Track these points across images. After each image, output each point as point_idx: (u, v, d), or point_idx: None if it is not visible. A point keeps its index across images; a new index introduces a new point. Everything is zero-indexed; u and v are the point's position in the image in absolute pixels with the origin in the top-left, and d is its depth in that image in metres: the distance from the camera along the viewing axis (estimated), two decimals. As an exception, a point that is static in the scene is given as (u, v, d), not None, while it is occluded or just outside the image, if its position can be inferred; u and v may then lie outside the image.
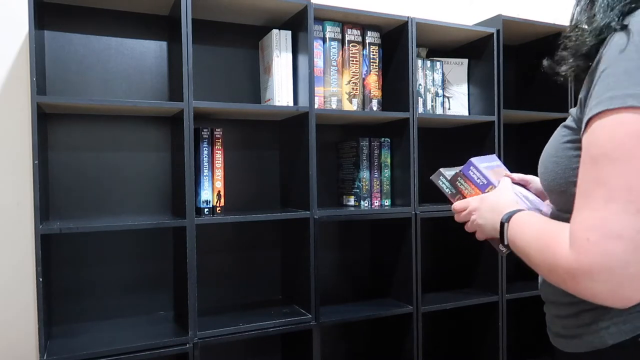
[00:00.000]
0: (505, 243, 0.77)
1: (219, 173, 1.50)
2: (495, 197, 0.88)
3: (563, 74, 0.69)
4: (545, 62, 0.73)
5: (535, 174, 0.84)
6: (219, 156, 1.50)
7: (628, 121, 0.55)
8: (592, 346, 0.65)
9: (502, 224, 0.78)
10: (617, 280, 0.53)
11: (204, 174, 1.47)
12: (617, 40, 0.59)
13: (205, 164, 1.47)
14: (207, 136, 1.48)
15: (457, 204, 1.03)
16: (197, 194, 1.46)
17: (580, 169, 0.60)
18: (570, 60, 0.68)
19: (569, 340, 0.69)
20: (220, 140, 1.50)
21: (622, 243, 0.52)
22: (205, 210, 1.46)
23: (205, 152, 1.47)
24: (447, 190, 1.11)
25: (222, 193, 1.49)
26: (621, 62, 0.57)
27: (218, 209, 1.49)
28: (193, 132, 1.41)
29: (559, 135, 0.70)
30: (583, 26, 0.66)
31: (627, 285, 0.53)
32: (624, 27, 0.59)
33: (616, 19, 0.60)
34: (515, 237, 0.73)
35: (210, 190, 1.48)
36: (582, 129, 0.61)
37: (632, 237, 0.52)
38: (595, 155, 0.57)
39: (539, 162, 0.74)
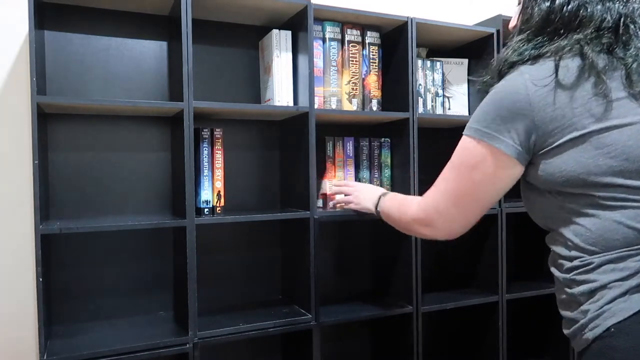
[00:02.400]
0: (378, 210, 1.35)
1: (219, 173, 1.50)
2: (369, 185, 1.52)
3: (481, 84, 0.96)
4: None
5: None
6: (219, 156, 1.50)
7: (466, 146, 0.88)
8: (583, 343, 0.76)
9: (379, 197, 1.36)
10: (433, 229, 0.99)
11: (204, 174, 1.47)
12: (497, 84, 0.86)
13: (205, 164, 1.47)
14: (207, 136, 1.48)
15: (347, 182, 1.61)
16: (197, 194, 1.46)
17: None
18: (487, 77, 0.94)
19: (573, 340, 0.79)
20: (220, 140, 1.50)
21: (440, 216, 0.96)
22: (205, 210, 1.46)
23: (205, 152, 1.47)
24: None
25: (222, 193, 1.49)
26: (483, 104, 0.86)
27: (218, 209, 1.49)
28: (193, 132, 1.41)
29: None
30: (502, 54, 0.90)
31: (439, 232, 0.99)
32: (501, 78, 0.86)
33: (497, 73, 0.89)
34: (385, 205, 1.29)
35: (210, 190, 1.48)
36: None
37: (445, 215, 0.95)
38: (453, 162, 0.93)
39: None
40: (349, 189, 1.54)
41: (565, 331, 0.82)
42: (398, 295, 1.77)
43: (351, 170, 1.74)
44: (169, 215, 1.59)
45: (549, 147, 0.78)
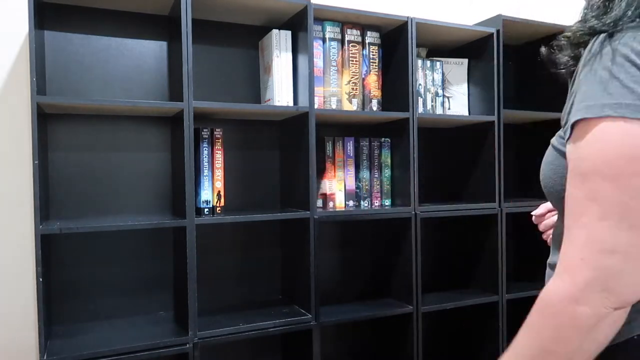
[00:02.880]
0: None
1: (219, 173, 1.50)
2: None
3: (561, 63, 0.68)
4: (543, 50, 0.72)
5: (535, 174, 0.85)
6: (219, 156, 1.50)
7: (612, 134, 0.55)
8: (623, 335, 0.61)
9: None
10: (615, 290, 0.55)
11: (204, 174, 1.47)
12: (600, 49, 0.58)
13: (205, 164, 1.47)
14: (207, 136, 1.48)
15: None
16: (197, 194, 1.46)
17: (568, 184, 0.59)
18: (568, 51, 0.66)
19: None
20: (220, 141, 1.50)
21: (616, 257, 0.54)
22: (205, 210, 1.46)
23: (205, 152, 1.47)
24: None
25: (222, 193, 1.49)
26: (598, 71, 0.58)
27: (218, 209, 1.49)
28: (193, 132, 1.41)
29: (556, 141, 0.69)
30: (588, 20, 0.64)
31: (626, 293, 0.55)
32: (611, 36, 0.58)
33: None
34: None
35: (210, 190, 1.48)
36: (567, 135, 0.61)
37: (625, 251, 0.54)
38: (583, 173, 0.57)
39: (541, 166, 0.73)
40: None
41: None
42: (398, 295, 1.77)
43: (351, 170, 1.74)
44: (169, 215, 1.59)
45: None
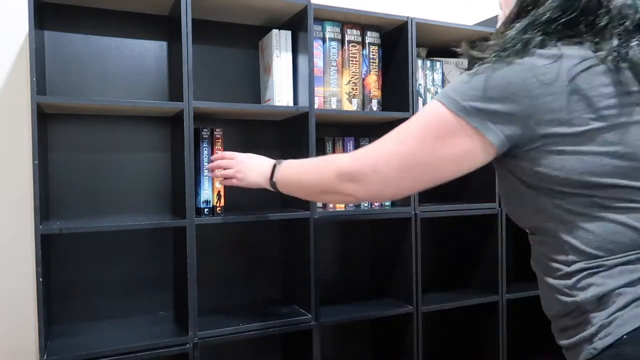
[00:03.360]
0: (274, 180, 1.14)
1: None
2: (255, 156, 1.27)
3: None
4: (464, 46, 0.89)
5: None
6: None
7: (441, 113, 0.76)
8: (588, 354, 0.70)
9: (274, 166, 1.16)
10: (360, 189, 0.86)
11: (204, 174, 1.47)
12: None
13: (205, 163, 1.47)
14: (207, 136, 1.48)
15: (226, 153, 1.34)
16: (197, 194, 1.46)
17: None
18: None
19: (574, 349, 0.74)
20: (220, 140, 1.50)
21: (376, 175, 0.83)
22: (205, 210, 1.46)
23: (205, 152, 1.47)
24: None
25: (222, 193, 1.49)
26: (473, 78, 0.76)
27: (218, 209, 1.49)
28: (193, 132, 1.41)
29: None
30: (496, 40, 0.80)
31: (363, 193, 0.87)
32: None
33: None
34: (288, 172, 1.10)
35: (210, 190, 1.48)
36: None
37: (384, 177, 0.83)
38: (411, 123, 0.82)
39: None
40: (228, 161, 1.31)
41: (564, 342, 0.75)
42: (398, 295, 1.77)
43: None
44: (169, 215, 1.59)
45: (543, 142, 0.71)
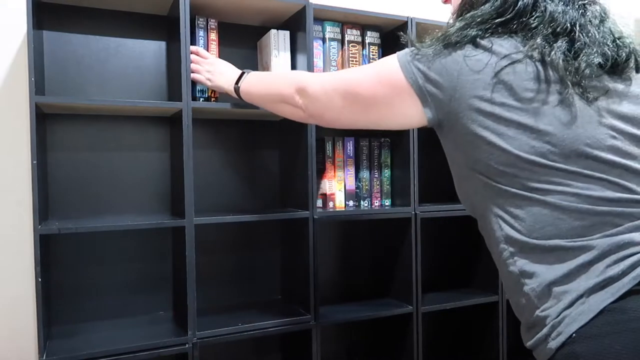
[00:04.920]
0: (238, 86, 1.25)
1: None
2: (228, 64, 1.38)
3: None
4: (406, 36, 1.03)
5: None
6: (213, 46, 1.51)
7: (391, 64, 0.88)
8: (545, 354, 0.72)
9: (242, 73, 1.26)
10: (308, 103, 1.00)
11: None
12: None
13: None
14: (202, 25, 1.50)
15: (202, 51, 1.43)
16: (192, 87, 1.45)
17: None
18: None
19: (536, 352, 0.75)
20: (215, 31, 1.52)
21: (322, 92, 0.96)
22: (201, 99, 1.47)
23: (201, 42, 1.49)
24: None
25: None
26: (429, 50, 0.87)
27: (213, 99, 1.50)
28: (192, 131, 1.41)
29: None
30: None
31: (311, 110, 1.00)
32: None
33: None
34: (251, 82, 1.21)
35: None
36: None
37: (327, 93, 0.95)
38: (368, 65, 0.94)
39: None
40: (201, 60, 1.40)
41: (528, 342, 0.76)
42: (398, 295, 1.77)
43: (351, 170, 1.74)
44: (169, 215, 1.59)
45: (468, 114, 0.77)
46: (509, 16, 0.79)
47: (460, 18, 0.85)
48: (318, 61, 1.63)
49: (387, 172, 1.79)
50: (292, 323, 1.52)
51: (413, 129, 1.69)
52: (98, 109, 1.45)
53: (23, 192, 1.48)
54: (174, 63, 1.51)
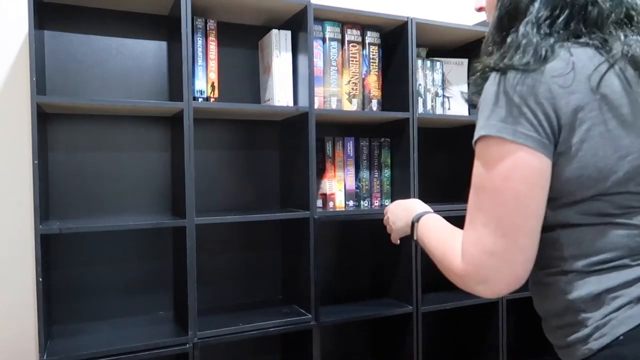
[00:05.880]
0: (415, 239, 0.98)
1: (213, 64, 1.49)
2: (407, 201, 1.10)
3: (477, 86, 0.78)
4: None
5: None
6: (212, 47, 1.52)
7: (496, 155, 0.70)
8: (582, 354, 0.71)
9: (412, 223, 0.99)
10: (492, 282, 0.71)
11: (198, 64, 1.49)
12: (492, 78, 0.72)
13: (200, 55, 1.49)
14: (201, 26, 1.50)
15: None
16: (192, 83, 1.46)
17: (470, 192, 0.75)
18: (479, 79, 0.77)
19: (568, 350, 0.74)
20: (214, 32, 1.52)
21: (494, 257, 0.69)
22: (200, 99, 1.47)
23: (199, 42, 1.49)
24: None
25: (216, 85, 1.48)
26: (490, 97, 0.71)
27: (212, 99, 1.50)
28: (193, 131, 1.41)
29: None
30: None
31: (499, 285, 0.71)
32: (504, 72, 0.70)
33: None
34: (422, 236, 0.93)
35: (205, 80, 1.51)
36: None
37: (500, 253, 0.69)
38: (476, 185, 0.74)
39: None
40: (386, 213, 1.21)
41: (558, 341, 0.76)
42: (398, 295, 1.77)
43: (351, 170, 1.74)
44: (169, 215, 1.59)
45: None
46: (567, 10, 0.72)
47: (511, 26, 0.76)
48: (318, 61, 1.63)
49: (387, 172, 1.79)
50: (293, 323, 1.52)
51: (413, 130, 1.69)
52: (99, 109, 1.45)
53: (24, 192, 1.48)
54: (175, 63, 1.51)
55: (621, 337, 0.67)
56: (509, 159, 0.68)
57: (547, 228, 0.75)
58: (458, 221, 2.00)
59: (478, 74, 0.76)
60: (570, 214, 0.72)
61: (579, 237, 0.72)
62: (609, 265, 0.70)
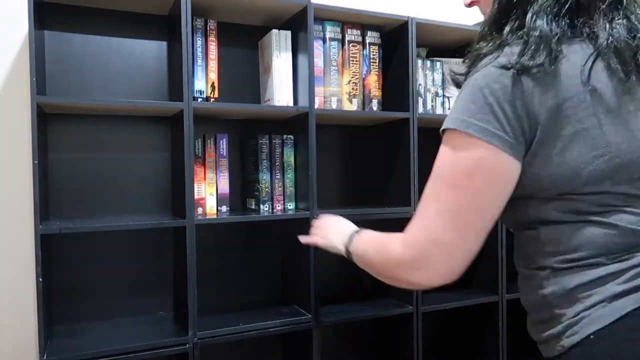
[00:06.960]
0: (349, 250, 1.01)
1: (213, 65, 1.49)
2: (337, 221, 1.18)
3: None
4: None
5: None
6: (213, 47, 1.51)
7: (461, 150, 0.70)
8: (556, 350, 0.72)
9: (351, 235, 1.03)
10: (429, 270, 0.74)
11: (197, 64, 1.48)
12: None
13: (199, 54, 1.49)
14: (200, 26, 1.49)
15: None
16: (192, 83, 1.45)
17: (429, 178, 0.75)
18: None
19: (544, 345, 0.76)
20: (214, 32, 1.51)
21: (439, 247, 0.72)
22: (199, 99, 1.47)
23: (199, 42, 1.49)
24: None
25: (215, 85, 1.48)
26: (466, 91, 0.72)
27: (212, 99, 1.49)
28: (193, 132, 1.41)
29: None
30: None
31: (435, 275, 0.75)
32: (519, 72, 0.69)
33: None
34: (359, 245, 0.97)
35: (204, 80, 1.48)
36: None
37: (445, 244, 0.71)
38: (437, 174, 0.73)
39: None
40: (317, 223, 1.25)
41: (536, 336, 0.77)
42: (398, 295, 1.77)
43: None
44: (169, 215, 1.59)
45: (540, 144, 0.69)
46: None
47: (511, 13, 0.76)
48: (318, 61, 1.63)
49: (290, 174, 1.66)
50: (293, 323, 1.52)
51: (413, 130, 1.69)
52: (99, 109, 1.45)
53: (24, 192, 1.48)
54: (175, 63, 1.51)
55: (592, 336, 0.67)
56: (473, 156, 0.69)
57: (530, 224, 0.76)
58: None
59: (477, 59, 0.77)
60: (550, 210, 0.72)
61: (558, 233, 0.72)
62: (584, 263, 0.70)
